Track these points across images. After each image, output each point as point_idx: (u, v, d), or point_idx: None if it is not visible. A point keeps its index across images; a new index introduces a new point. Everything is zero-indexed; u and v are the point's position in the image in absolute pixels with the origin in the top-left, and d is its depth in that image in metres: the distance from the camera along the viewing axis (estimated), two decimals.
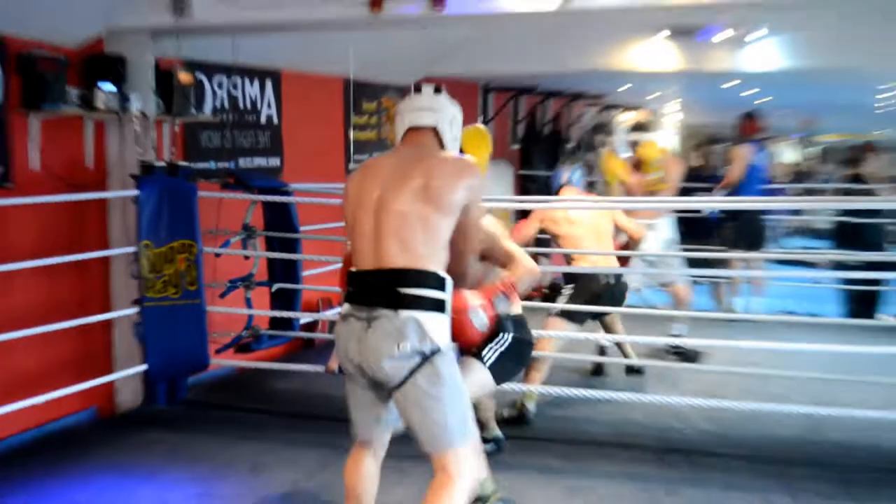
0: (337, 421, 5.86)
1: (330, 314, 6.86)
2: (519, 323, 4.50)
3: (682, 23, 8.31)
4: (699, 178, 11.33)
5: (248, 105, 7.60)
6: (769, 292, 10.09)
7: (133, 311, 6.04)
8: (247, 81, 7.54)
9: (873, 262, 7.97)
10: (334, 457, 5.15)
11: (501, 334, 4.39)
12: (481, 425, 5.01)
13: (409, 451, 3.68)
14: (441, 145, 3.59)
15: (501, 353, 4.38)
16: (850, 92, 13.35)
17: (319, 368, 6.09)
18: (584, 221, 6.50)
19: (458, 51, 9.13)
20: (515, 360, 4.47)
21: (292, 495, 4.90)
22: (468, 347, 4.20)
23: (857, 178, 10.40)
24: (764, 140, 9.79)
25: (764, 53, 8.66)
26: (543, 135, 13.17)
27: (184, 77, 6.28)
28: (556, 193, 6.70)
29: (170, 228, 6.02)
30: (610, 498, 4.85)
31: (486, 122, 12.32)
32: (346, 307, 3.43)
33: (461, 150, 3.79)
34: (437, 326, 3.29)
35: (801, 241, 17.97)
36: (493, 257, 4.31)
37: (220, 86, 7.20)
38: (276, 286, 6.75)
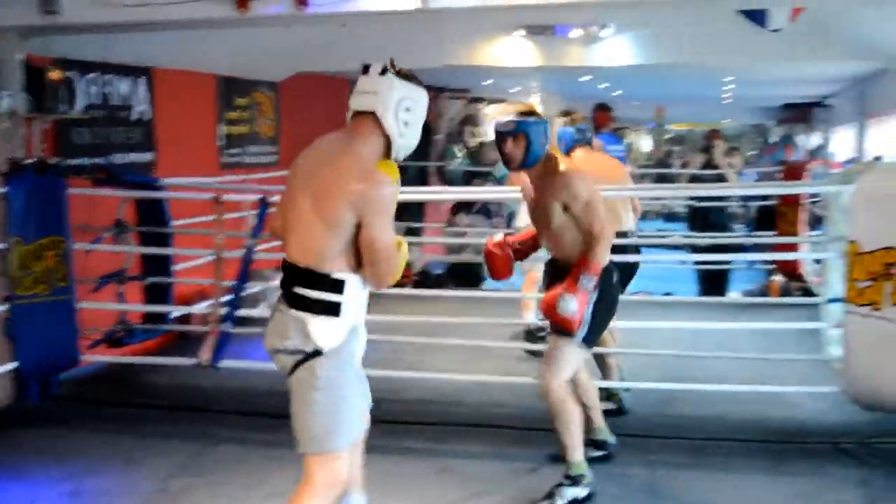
0: (209, 412, 6.04)
1: (203, 306, 6.91)
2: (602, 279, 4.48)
3: (538, 21, 8.60)
4: None
5: (121, 101, 7.58)
6: None
7: (2, 308, 5.99)
8: (119, 78, 7.51)
9: (722, 243, 8.43)
10: (208, 447, 5.33)
11: None
12: (588, 427, 5.03)
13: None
14: (384, 134, 3.35)
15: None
16: (699, 84, 13.96)
17: (192, 361, 6.14)
18: None
19: (327, 47, 9.24)
20: (600, 316, 4.55)
21: (166, 487, 4.90)
22: (567, 332, 4.47)
23: (708, 165, 10.90)
24: (618, 130, 10.11)
25: (616, 49, 9.02)
26: None
27: (54, 75, 6.27)
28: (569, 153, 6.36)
29: (39, 225, 6.02)
30: (479, 477, 4.99)
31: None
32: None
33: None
34: (324, 329, 3.27)
35: (658, 224, 18.66)
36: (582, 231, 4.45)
37: (92, 83, 7.17)
38: (148, 280, 6.78)
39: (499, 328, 7.62)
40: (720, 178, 10.41)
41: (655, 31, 8.75)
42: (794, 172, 9.28)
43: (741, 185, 9.75)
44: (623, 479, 4.97)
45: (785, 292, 9.82)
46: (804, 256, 7.82)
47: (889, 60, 8.78)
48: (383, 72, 3.36)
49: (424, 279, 10.77)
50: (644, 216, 18.78)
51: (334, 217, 3.21)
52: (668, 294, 9.62)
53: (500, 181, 10.54)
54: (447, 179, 12.85)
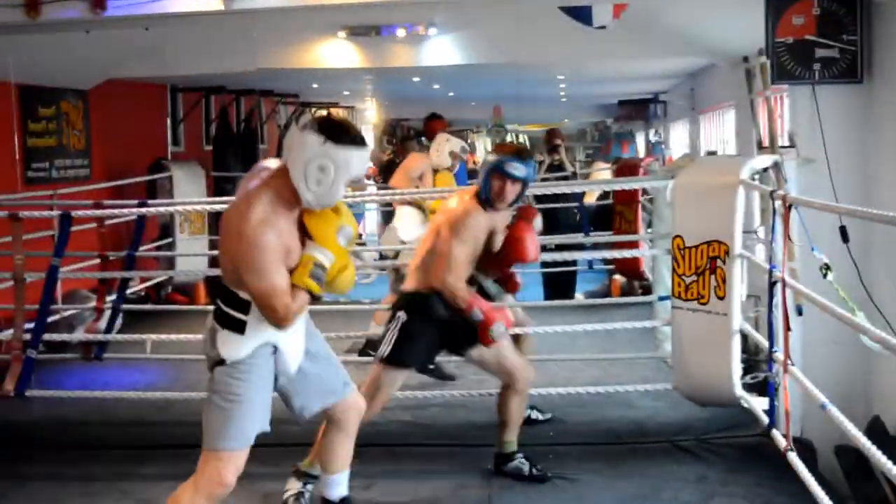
0: (17, 447, 5.60)
1: (6, 334, 6.41)
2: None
3: (357, 22, 8.42)
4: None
5: None
6: None
7: None
8: None
9: (567, 245, 8.37)
10: (15, 488, 4.98)
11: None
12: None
13: None
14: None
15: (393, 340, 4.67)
16: (534, 84, 14.01)
17: None
18: None
19: (136, 52, 8.84)
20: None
21: None
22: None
23: (557, 166, 10.73)
24: (459, 133, 9.89)
25: (443, 49, 8.89)
26: (237, 134, 13.04)
27: None
28: None
29: None
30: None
31: (175, 124, 11.99)
32: None
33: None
34: (228, 341, 3.56)
35: None
36: None
37: None
38: None
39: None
40: (568, 178, 10.27)
41: (481, 30, 8.68)
42: (627, 170, 9.26)
43: (574, 183, 9.61)
44: (460, 492, 4.86)
45: (626, 292, 9.83)
46: (640, 254, 7.74)
47: (713, 56, 8.89)
48: (304, 127, 3.48)
49: None
50: None
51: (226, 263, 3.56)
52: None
53: None
54: None
